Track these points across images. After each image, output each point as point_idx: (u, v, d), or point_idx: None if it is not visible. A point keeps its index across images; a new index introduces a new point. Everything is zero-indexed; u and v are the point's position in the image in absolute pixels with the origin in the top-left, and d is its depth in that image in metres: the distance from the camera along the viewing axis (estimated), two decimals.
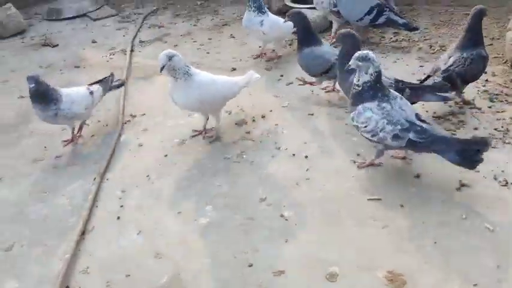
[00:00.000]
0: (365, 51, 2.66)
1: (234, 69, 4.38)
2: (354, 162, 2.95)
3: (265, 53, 4.59)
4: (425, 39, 4.59)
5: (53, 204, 2.82)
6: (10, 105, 4.12)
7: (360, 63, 2.63)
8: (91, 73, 4.52)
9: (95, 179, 2.98)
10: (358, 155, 3.00)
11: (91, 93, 3.41)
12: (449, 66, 3.25)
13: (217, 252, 2.39)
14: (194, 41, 5.16)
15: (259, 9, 4.31)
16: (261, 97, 3.77)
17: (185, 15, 6.05)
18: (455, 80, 3.24)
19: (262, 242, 2.42)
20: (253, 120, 3.50)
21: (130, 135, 3.48)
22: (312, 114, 3.50)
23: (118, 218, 2.67)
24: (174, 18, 6.00)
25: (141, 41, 5.30)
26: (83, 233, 2.58)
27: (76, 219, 2.67)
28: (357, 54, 2.66)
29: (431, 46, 4.42)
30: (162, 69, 2.99)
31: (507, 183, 2.63)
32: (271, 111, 3.60)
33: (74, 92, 3.34)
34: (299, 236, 2.44)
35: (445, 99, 3.13)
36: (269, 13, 4.38)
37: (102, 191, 2.91)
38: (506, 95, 3.50)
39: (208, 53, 4.82)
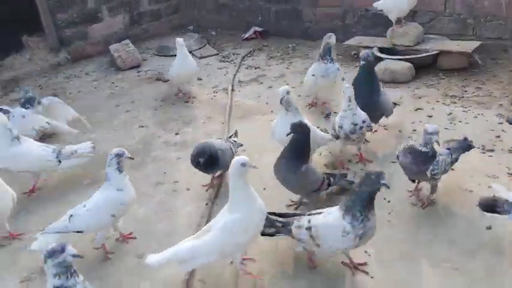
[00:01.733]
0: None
1: (323, 113, 4.91)
2: (415, 204, 3.38)
3: (315, 102, 5.07)
4: (506, 96, 4.87)
5: (175, 222, 3.46)
6: (132, 134, 4.89)
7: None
8: (199, 109, 5.24)
9: (207, 204, 3.59)
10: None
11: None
12: None
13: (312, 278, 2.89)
14: (287, 83, 5.72)
15: (332, 60, 4.79)
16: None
17: (278, 58, 6.69)
18: None
19: (344, 269, 2.89)
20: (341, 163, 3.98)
21: None
22: (394, 162, 3.92)
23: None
24: (268, 60, 6.65)
25: (240, 81, 5.98)
26: None
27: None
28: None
29: (511, 103, 4.70)
30: (281, 100, 3.64)
31: None
32: (356, 155, 4.06)
33: None
34: (379, 270, 2.88)
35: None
36: None
37: (213, 214, 3.49)
38: None
39: (299, 95, 5.36)
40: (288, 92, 3.69)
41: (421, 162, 3.20)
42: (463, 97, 4.93)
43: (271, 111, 4.89)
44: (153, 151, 4.49)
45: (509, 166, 3.71)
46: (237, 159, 2.69)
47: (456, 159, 3.34)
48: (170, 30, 8.18)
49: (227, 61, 6.77)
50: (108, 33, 7.38)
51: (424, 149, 3.17)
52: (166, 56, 7.15)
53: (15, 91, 6.03)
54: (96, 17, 7.30)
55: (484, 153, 3.93)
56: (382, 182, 2.57)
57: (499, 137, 4.10)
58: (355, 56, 6.32)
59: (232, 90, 5.69)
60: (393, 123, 4.46)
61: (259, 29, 7.57)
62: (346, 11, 6.77)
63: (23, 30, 6.95)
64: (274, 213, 2.99)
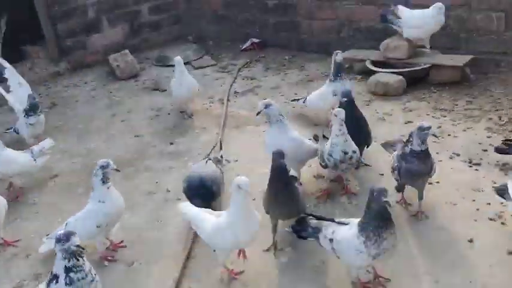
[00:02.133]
0: None
1: (316, 124, 4.98)
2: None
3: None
4: (496, 110, 4.92)
5: (165, 232, 3.54)
6: (127, 143, 4.97)
7: None
8: (194, 119, 5.32)
9: None
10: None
11: None
12: None
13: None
14: (282, 95, 5.81)
15: (344, 76, 4.74)
16: None
17: (275, 69, 6.77)
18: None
19: (331, 282, 2.96)
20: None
21: (226, 179, 4.14)
22: (382, 175, 3.99)
23: (214, 250, 3.28)
24: (265, 71, 6.73)
25: (235, 92, 6.07)
26: (188, 257, 3.24)
27: (183, 246, 3.34)
28: None
29: (500, 117, 4.74)
30: (258, 114, 3.85)
31: None
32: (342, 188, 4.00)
33: None
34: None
35: None
36: None
37: None
38: None
39: (293, 107, 5.44)
40: (266, 106, 3.71)
41: (427, 161, 3.26)
42: (453, 110, 4.99)
43: (266, 122, 4.95)
44: (146, 160, 4.57)
45: (494, 180, 3.77)
46: (237, 179, 2.79)
47: None
48: (170, 40, 8.28)
49: (224, 72, 6.86)
50: (107, 43, 7.48)
51: (423, 147, 3.21)
52: (164, 66, 7.25)
53: None
54: (97, 27, 7.42)
55: (471, 166, 3.99)
56: (384, 199, 2.50)
57: (486, 151, 4.17)
58: (349, 69, 6.40)
59: (228, 100, 5.78)
60: (383, 135, 4.51)
61: (257, 40, 7.66)
62: (341, 24, 6.86)
63: (25, 39, 7.08)
64: (311, 215, 3.08)
